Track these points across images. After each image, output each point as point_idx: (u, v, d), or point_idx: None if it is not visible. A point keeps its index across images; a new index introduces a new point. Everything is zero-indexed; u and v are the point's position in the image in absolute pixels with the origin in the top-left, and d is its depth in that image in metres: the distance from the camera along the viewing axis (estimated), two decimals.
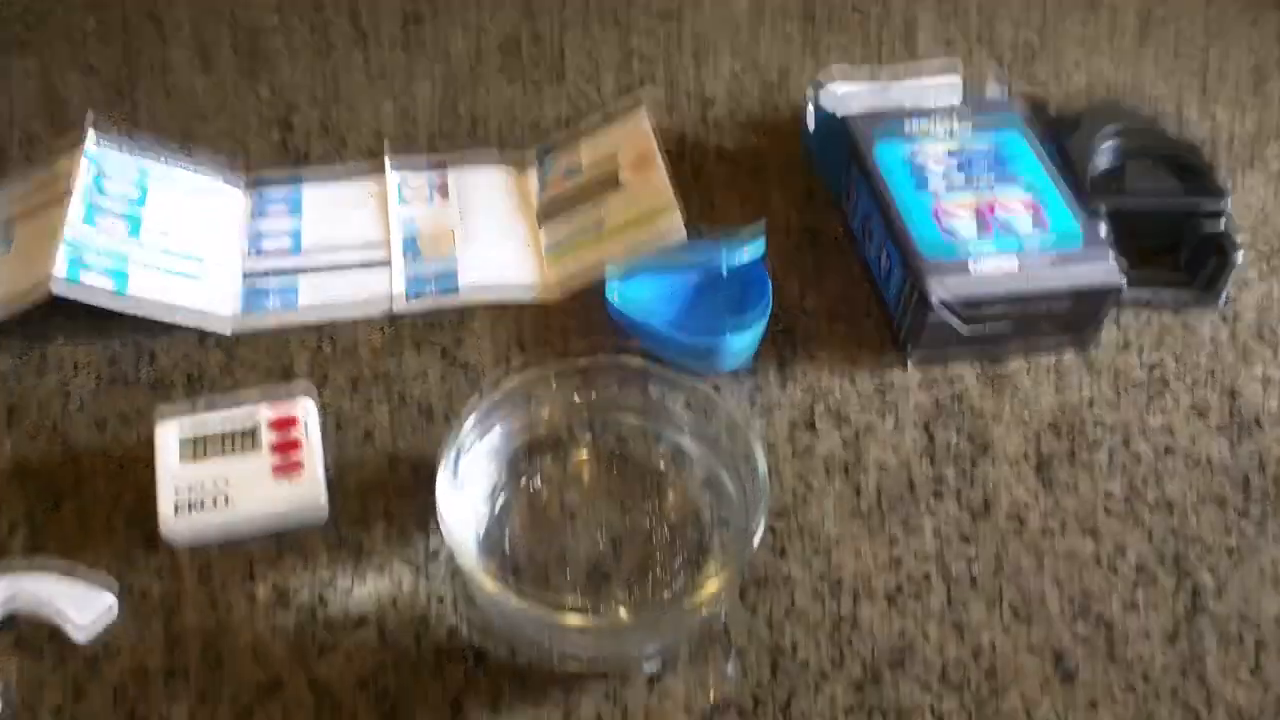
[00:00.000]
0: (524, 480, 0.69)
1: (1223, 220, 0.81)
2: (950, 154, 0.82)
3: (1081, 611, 0.64)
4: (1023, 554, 0.67)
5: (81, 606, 0.62)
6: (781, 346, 0.78)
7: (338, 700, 0.59)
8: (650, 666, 0.61)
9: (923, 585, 0.65)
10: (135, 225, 0.80)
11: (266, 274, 0.81)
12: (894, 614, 0.64)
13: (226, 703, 0.59)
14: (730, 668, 0.61)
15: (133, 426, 0.72)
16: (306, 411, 0.70)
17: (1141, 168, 0.83)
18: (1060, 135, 0.86)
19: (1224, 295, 0.81)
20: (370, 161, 0.90)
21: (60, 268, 0.74)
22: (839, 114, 0.85)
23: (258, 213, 0.86)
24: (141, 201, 0.81)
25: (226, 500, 0.65)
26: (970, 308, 0.73)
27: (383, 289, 0.81)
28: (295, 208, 0.86)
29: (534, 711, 0.59)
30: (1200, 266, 0.81)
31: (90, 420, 0.72)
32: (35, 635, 0.62)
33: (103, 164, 0.82)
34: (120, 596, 0.63)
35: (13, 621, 0.62)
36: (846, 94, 0.88)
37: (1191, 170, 0.83)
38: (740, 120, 0.96)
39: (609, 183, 0.85)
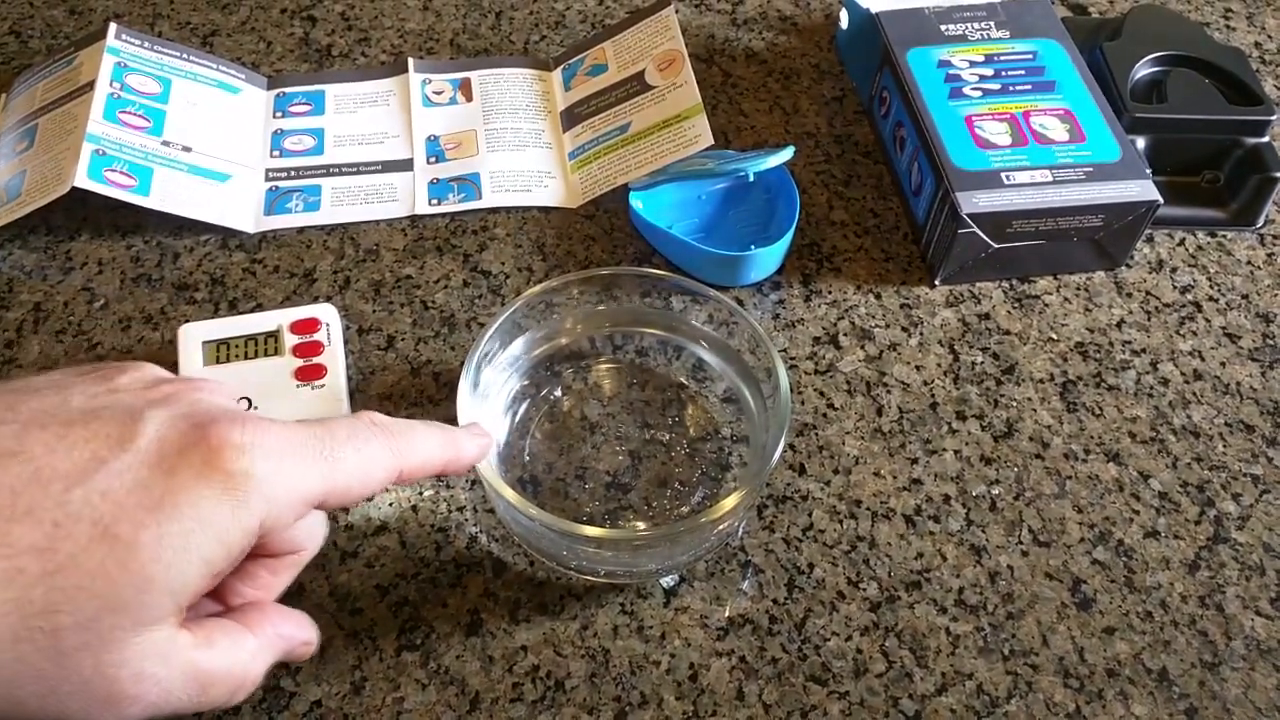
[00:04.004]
0: (544, 391, 0.68)
1: (1266, 135, 0.78)
2: (986, 59, 0.79)
3: (1101, 538, 0.64)
4: (1044, 478, 0.66)
5: None
6: (807, 260, 0.77)
7: (358, 608, 0.60)
8: (667, 581, 0.62)
9: (942, 507, 0.65)
10: (158, 122, 0.79)
11: (289, 174, 0.81)
12: (912, 535, 0.64)
13: None
14: (747, 584, 0.62)
15: (157, 327, 0.72)
16: (328, 315, 0.69)
17: (1184, 80, 0.80)
18: (1101, 43, 0.83)
19: (1263, 216, 0.80)
20: (393, 62, 0.89)
21: (83, 164, 0.73)
22: (873, 11, 0.83)
23: (280, 111, 0.85)
24: (164, 98, 0.80)
25: (249, 404, 0.66)
26: (1001, 222, 0.72)
27: (405, 192, 0.80)
28: (318, 108, 0.85)
29: (551, 623, 0.60)
30: (1240, 185, 0.79)
31: (114, 320, 0.72)
32: None
33: (124, 59, 0.80)
34: None
35: None
36: None
37: (1237, 83, 0.80)
38: (772, 20, 0.94)
39: (635, 84, 0.83)
